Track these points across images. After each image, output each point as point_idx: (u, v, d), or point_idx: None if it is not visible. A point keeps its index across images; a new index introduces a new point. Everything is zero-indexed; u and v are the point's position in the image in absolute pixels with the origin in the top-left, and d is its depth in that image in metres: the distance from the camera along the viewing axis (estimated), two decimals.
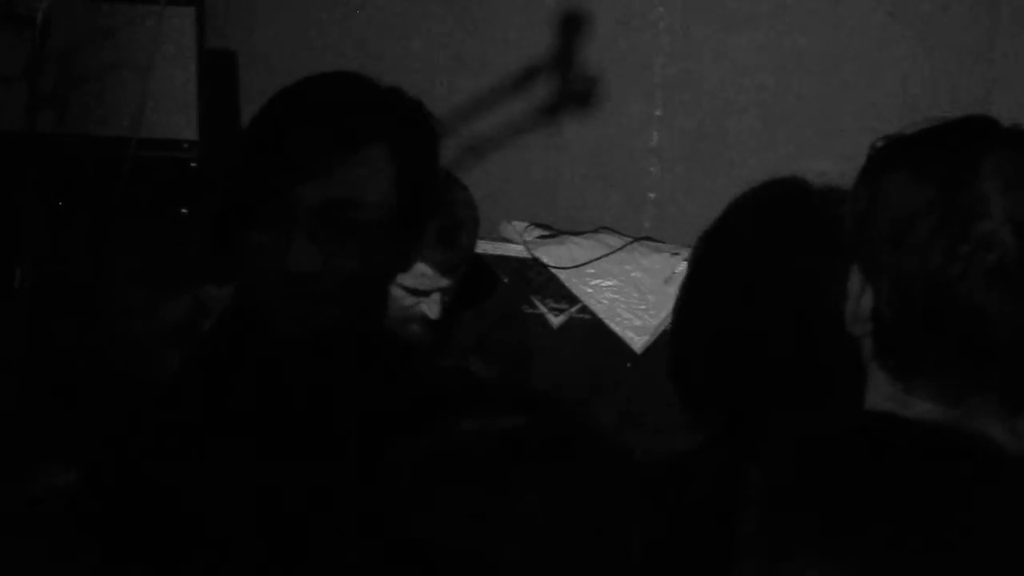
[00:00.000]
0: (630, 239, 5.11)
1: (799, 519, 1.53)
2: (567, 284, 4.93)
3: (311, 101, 2.51)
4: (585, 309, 4.91)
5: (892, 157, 2.08)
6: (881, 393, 2.04)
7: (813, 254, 2.32)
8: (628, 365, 4.61)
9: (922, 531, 1.50)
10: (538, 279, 4.93)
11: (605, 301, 4.98)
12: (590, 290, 4.96)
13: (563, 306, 4.91)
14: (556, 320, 4.88)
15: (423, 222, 2.68)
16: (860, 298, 2.05)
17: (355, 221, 2.39)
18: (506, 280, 4.52)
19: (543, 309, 4.89)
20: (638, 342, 4.88)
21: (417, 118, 2.50)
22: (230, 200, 2.48)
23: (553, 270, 4.96)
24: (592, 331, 4.90)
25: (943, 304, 1.96)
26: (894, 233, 2.00)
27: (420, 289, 3.42)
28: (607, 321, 4.91)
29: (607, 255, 5.03)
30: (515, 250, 4.94)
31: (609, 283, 5.01)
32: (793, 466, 1.63)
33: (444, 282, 3.43)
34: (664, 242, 5.12)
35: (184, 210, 5.19)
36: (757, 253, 2.73)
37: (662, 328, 4.85)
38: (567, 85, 5.49)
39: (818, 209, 2.52)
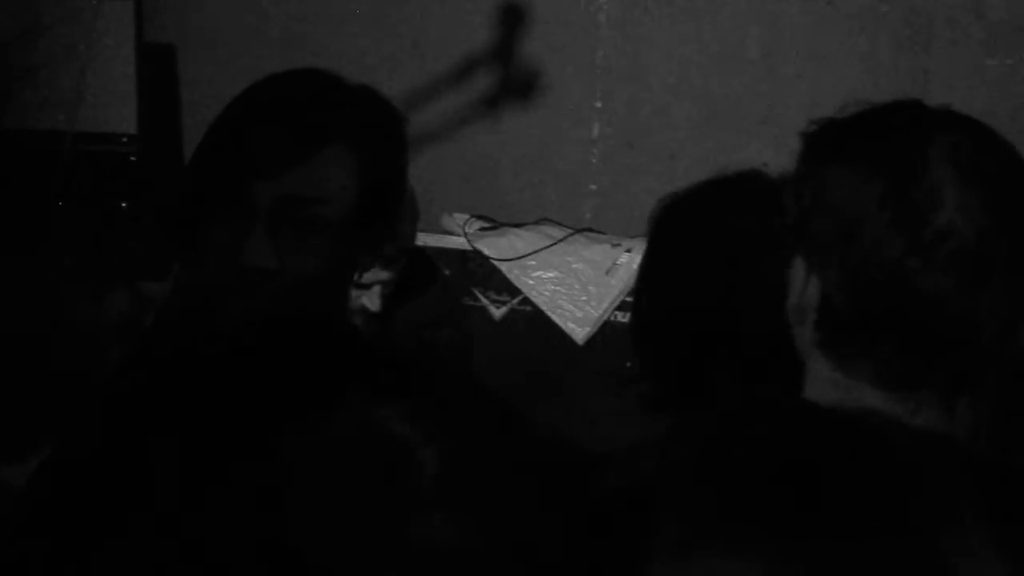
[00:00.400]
0: (571, 230, 5.09)
1: (704, 509, 1.34)
2: (508, 276, 4.92)
3: (275, 98, 2.52)
4: (527, 301, 4.88)
5: (833, 147, 2.09)
6: (822, 380, 2.06)
7: (756, 243, 2.29)
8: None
9: (832, 519, 1.30)
10: (479, 271, 4.93)
11: (547, 293, 4.96)
12: (531, 282, 4.96)
13: (505, 298, 4.91)
14: (498, 312, 4.87)
15: (388, 221, 2.67)
16: (804, 289, 2.04)
17: (314, 219, 2.39)
18: (447, 273, 4.51)
19: (485, 301, 4.88)
20: (580, 333, 4.87)
21: (383, 117, 2.50)
22: (186, 195, 2.49)
23: (494, 262, 4.95)
24: (534, 323, 4.88)
25: (903, 296, 1.99)
26: (846, 227, 2.02)
27: (360, 282, 3.15)
28: (549, 313, 4.90)
29: (548, 247, 5.03)
30: (456, 242, 4.94)
31: (550, 275, 4.99)
32: (699, 455, 1.42)
33: (384, 275, 3.44)
34: (605, 233, 5.12)
35: (124, 204, 5.15)
36: (703, 242, 2.87)
37: (604, 319, 4.90)
38: (508, 77, 5.52)
39: (759, 199, 2.38)
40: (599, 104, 5.66)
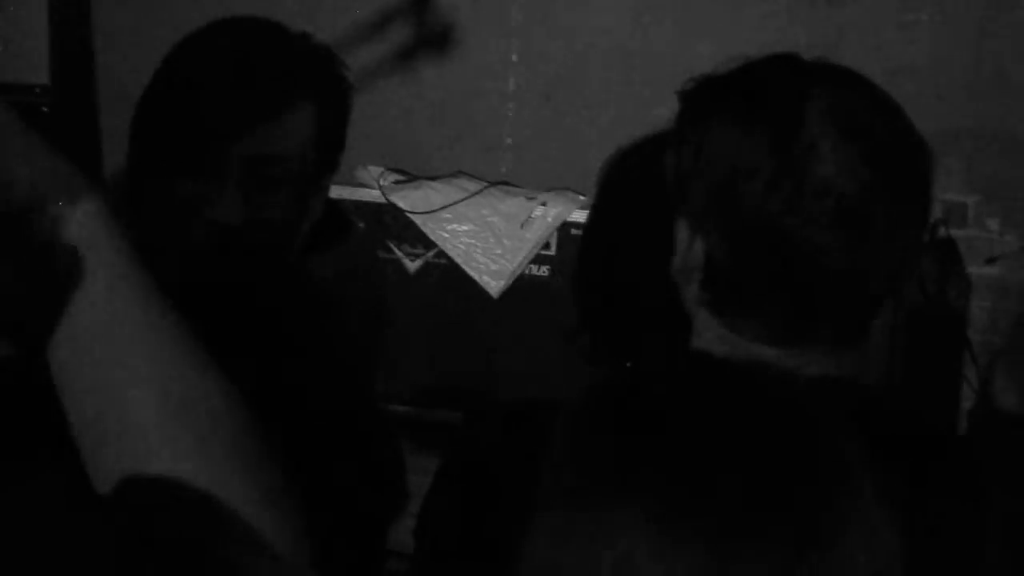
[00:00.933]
0: (486, 183, 4.94)
1: (599, 458, 1.60)
2: (423, 229, 4.79)
3: (228, 52, 2.69)
4: (441, 254, 4.75)
5: (710, 105, 2.29)
6: (709, 334, 2.30)
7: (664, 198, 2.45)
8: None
9: (713, 466, 1.56)
10: (394, 224, 4.79)
11: (461, 246, 4.84)
12: (446, 235, 4.82)
13: (419, 251, 4.75)
14: (412, 265, 4.72)
15: (332, 172, 2.86)
16: (689, 248, 2.23)
17: (279, 174, 2.59)
18: (362, 225, 4.68)
19: (399, 254, 4.76)
20: (494, 287, 4.75)
21: (331, 68, 2.72)
22: (145, 153, 2.69)
23: (409, 215, 4.81)
24: (449, 276, 4.77)
25: (785, 250, 2.15)
26: (727, 186, 2.20)
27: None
28: (463, 266, 4.77)
29: (463, 200, 4.88)
30: (371, 195, 4.79)
31: (465, 228, 4.87)
32: (589, 411, 1.69)
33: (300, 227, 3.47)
34: (520, 187, 4.96)
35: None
36: (637, 208, 2.93)
37: (518, 272, 4.79)
38: (423, 29, 5.30)
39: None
40: (515, 58, 5.40)
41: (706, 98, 2.35)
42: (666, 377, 1.79)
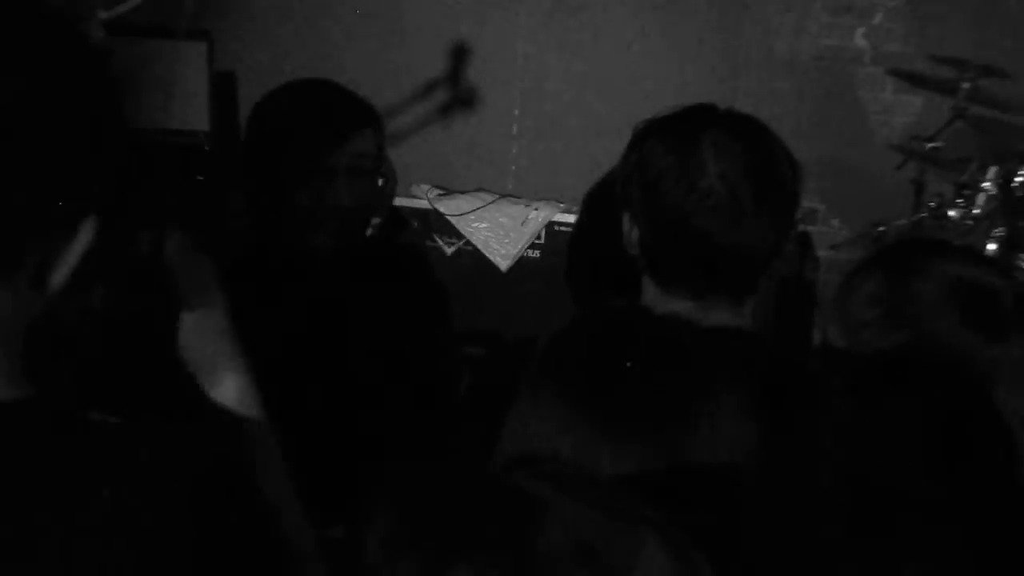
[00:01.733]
0: (498, 196, 5.94)
1: (547, 396, 1.82)
2: (456, 226, 5.73)
3: (325, 94, 3.09)
4: (468, 243, 5.70)
5: (647, 134, 2.45)
6: (649, 294, 2.50)
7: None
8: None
9: (624, 379, 1.81)
10: (436, 222, 5.70)
11: (481, 237, 5.75)
12: (471, 230, 5.75)
13: (453, 240, 5.70)
14: (449, 250, 5.62)
15: (394, 182, 3.40)
16: (631, 232, 2.47)
17: (369, 172, 3.01)
18: (415, 223, 5.50)
19: (440, 243, 5.62)
20: (503, 264, 5.69)
21: (374, 109, 3.07)
22: (274, 162, 2.96)
23: (447, 216, 5.76)
24: (473, 257, 5.70)
25: (684, 232, 2.36)
26: (649, 187, 2.40)
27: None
28: (483, 250, 5.72)
29: (483, 207, 5.83)
30: (421, 203, 5.70)
31: (484, 225, 5.78)
32: (555, 349, 1.96)
33: (374, 220, 4.06)
34: (521, 198, 6.00)
35: (200, 177, 5.74)
36: (606, 217, 2.88)
37: (519, 255, 5.73)
38: (456, 94, 6.38)
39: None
40: (517, 112, 6.61)
41: (646, 131, 2.52)
42: (610, 323, 2.07)
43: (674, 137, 2.48)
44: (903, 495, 2.21)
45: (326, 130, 3.01)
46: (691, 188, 2.40)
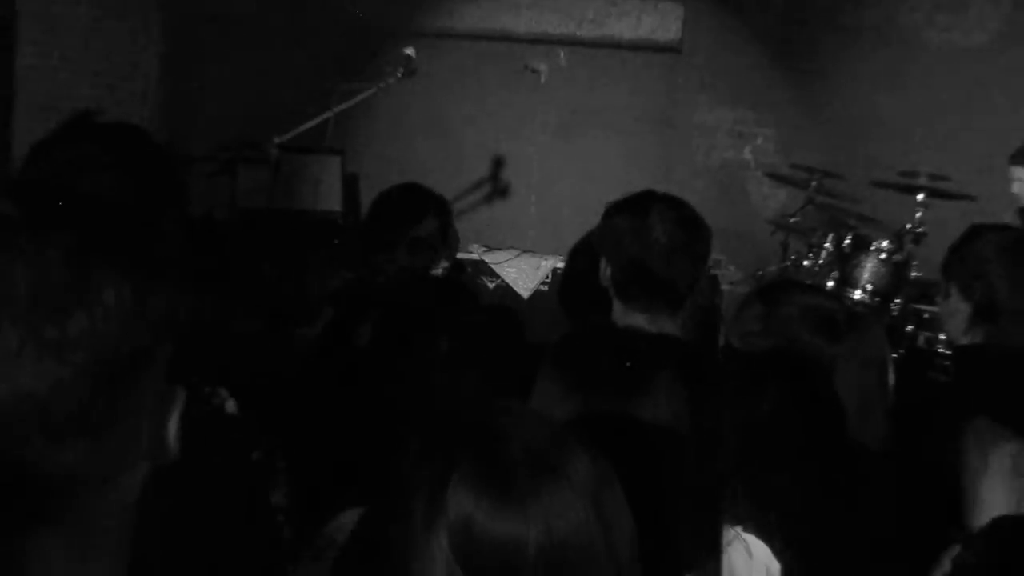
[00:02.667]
0: (521, 251, 6.64)
1: (555, 378, 2.06)
2: (495, 270, 6.35)
3: (416, 193, 3.53)
4: (503, 281, 6.28)
5: (616, 209, 2.90)
6: (617, 311, 2.83)
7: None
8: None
9: (594, 367, 2.03)
10: (483, 267, 6.30)
11: (511, 277, 6.33)
12: (504, 272, 6.34)
13: (493, 279, 6.31)
14: (491, 285, 6.20)
15: (453, 250, 3.80)
16: (605, 270, 2.81)
17: (431, 245, 3.43)
18: (469, 268, 5.96)
19: (485, 280, 6.20)
20: (525, 294, 6.27)
21: (444, 199, 3.53)
22: (381, 232, 3.44)
23: (489, 264, 6.40)
24: (505, 290, 6.28)
25: (639, 270, 2.76)
26: (616, 242, 2.83)
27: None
28: (512, 285, 6.31)
29: (512, 258, 6.47)
30: (473, 256, 6.30)
31: (512, 270, 6.37)
32: (558, 348, 2.14)
33: (444, 265, 4.09)
34: (536, 253, 6.70)
35: (336, 241, 5.71)
36: (583, 254, 3.38)
37: (534, 288, 6.35)
38: (495, 187, 7.94)
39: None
40: (533, 199, 8.10)
41: (615, 207, 2.91)
42: (593, 332, 2.31)
43: (632, 210, 2.94)
44: (773, 442, 2.41)
45: (414, 214, 3.52)
46: (643, 242, 2.81)
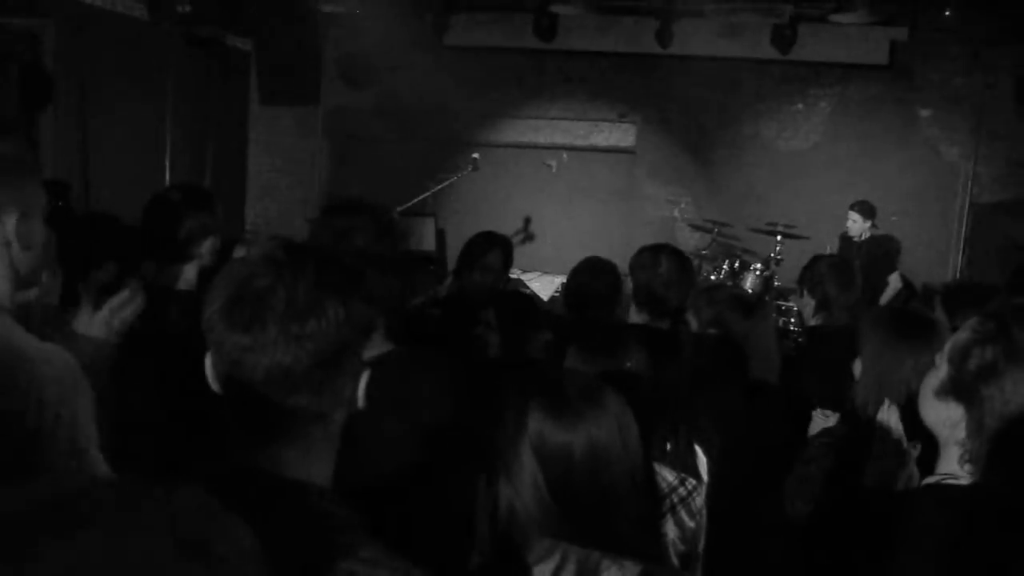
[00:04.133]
0: (541, 273, 7.13)
1: (577, 348, 1.99)
2: (527, 283, 6.62)
3: (487, 238, 3.38)
4: (531, 291, 6.30)
5: (641, 251, 2.85)
6: (632, 313, 2.79)
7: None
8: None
9: (612, 345, 1.94)
10: (518, 283, 6.33)
11: (535, 288, 6.59)
12: (531, 285, 6.63)
13: (526, 290, 6.12)
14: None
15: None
16: (629, 287, 2.79)
17: (501, 267, 3.34)
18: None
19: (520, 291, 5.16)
20: (545, 298, 6.49)
21: (508, 239, 3.37)
22: (462, 266, 3.40)
23: (523, 280, 6.70)
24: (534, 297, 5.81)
25: (649, 289, 2.81)
26: (641, 269, 2.87)
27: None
28: (537, 293, 6.47)
29: (536, 277, 6.94)
30: (514, 276, 6.12)
31: (537, 283, 6.78)
32: (578, 334, 2.09)
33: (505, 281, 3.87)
34: (550, 273, 7.10)
35: (431, 266, 6.13)
36: (583, 273, 3.27)
37: (551, 296, 6.62)
38: (526, 235, 8.48)
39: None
40: (549, 241, 8.50)
41: (642, 249, 2.91)
42: (595, 326, 2.53)
43: (650, 251, 3.05)
44: (704, 382, 2.36)
45: (486, 250, 3.39)
46: (653, 274, 2.91)
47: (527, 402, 1.47)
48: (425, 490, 1.83)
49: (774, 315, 6.45)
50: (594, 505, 1.45)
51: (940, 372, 1.69)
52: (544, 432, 1.44)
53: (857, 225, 7.29)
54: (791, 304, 6.47)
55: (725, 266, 7.42)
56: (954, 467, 1.64)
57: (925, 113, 8.24)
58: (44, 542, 0.48)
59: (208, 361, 1.21)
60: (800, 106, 8.53)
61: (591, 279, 3.20)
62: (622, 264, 3.24)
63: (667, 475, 1.99)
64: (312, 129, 9.02)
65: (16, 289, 1.58)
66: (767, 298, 6.80)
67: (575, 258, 3.52)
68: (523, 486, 1.46)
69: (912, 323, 2.46)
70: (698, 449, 2.25)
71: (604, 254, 3.50)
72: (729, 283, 7.10)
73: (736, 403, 2.64)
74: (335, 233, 2.41)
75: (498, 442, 1.48)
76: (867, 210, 7.29)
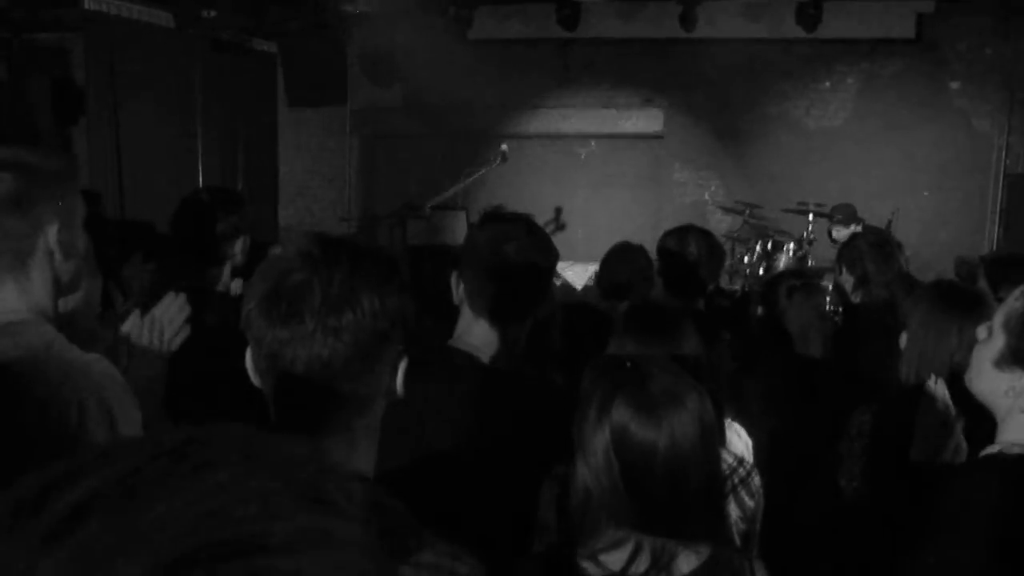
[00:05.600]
0: (574, 262, 6.56)
1: (626, 331, 1.97)
2: (561, 273, 6.19)
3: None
4: (564, 280, 6.26)
5: (667, 234, 2.79)
6: (659, 293, 2.70)
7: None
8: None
9: (659, 334, 1.92)
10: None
11: (569, 277, 6.39)
12: (565, 274, 6.35)
13: (559, 278, 5.98)
14: (558, 283, 5.85)
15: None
16: (657, 269, 2.73)
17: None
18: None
19: (555, 281, 3.39)
20: (579, 286, 6.30)
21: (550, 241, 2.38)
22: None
23: (559, 270, 5.17)
24: (566, 285, 6.24)
25: (676, 267, 2.75)
26: (667, 253, 2.83)
27: None
28: (570, 282, 6.35)
29: (570, 266, 6.46)
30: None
31: (570, 272, 6.43)
32: (626, 316, 2.07)
33: None
34: (582, 263, 6.53)
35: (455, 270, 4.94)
36: (614, 260, 3.31)
37: (584, 285, 6.29)
38: (557, 223, 8.37)
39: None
40: (580, 230, 8.59)
41: (667, 233, 2.86)
42: (641, 306, 2.24)
43: (677, 234, 3.02)
44: (749, 363, 2.45)
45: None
46: (682, 252, 2.88)
47: (613, 394, 1.46)
48: (480, 479, 1.78)
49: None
50: (669, 500, 1.45)
51: (996, 342, 1.66)
52: (629, 428, 1.44)
53: (843, 234, 6.93)
54: (826, 283, 6.21)
55: (758, 247, 7.36)
56: (1021, 435, 1.62)
57: (955, 85, 8.26)
58: (172, 483, 0.47)
59: (248, 356, 1.22)
60: (827, 84, 8.54)
61: (623, 264, 3.19)
62: (654, 250, 3.23)
63: (726, 456, 1.99)
64: (340, 129, 9.14)
65: (58, 297, 1.59)
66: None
67: (607, 246, 3.52)
68: (598, 476, 1.46)
69: (957, 295, 2.44)
70: (741, 430, 2.26)
71: (636, 240, 3.48)
72: (763, 264, 7.18)
73: (784, 382, 2.67)
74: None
75: (577, 427, 1.48)
76: (849, 215, 6.97)
